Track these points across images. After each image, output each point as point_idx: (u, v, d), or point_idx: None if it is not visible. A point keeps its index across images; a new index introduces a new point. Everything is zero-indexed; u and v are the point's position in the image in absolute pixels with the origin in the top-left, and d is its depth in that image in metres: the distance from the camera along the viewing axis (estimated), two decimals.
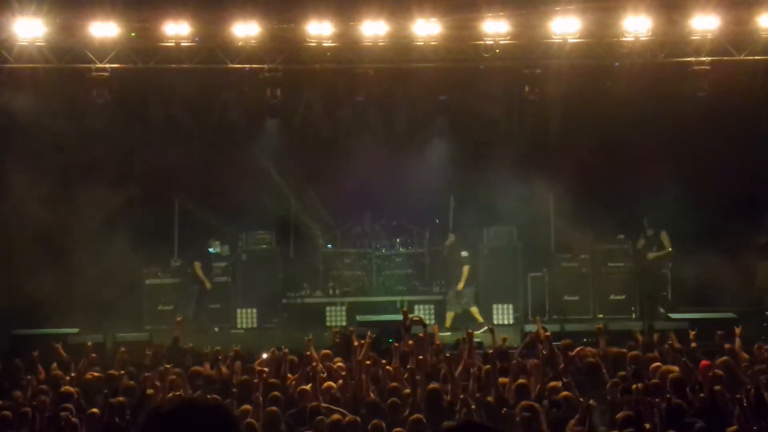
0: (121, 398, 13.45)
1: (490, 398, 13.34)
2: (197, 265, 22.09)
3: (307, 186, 23.25)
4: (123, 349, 16.38)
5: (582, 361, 15.02)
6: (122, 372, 15.14)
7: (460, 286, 21.77)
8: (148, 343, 17.89)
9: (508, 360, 15.87)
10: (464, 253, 21.98)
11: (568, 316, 21.94)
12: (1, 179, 20.99)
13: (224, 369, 15.13)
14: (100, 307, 20.46)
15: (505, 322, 22.14)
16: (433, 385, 13.40)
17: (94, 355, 15.68)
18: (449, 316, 21.71)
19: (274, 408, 12.82)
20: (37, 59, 19.81)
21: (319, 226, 23.27)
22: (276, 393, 13.45)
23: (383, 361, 14.76)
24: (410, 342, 15.59)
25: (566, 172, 22.26)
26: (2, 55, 19.83)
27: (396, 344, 15.74)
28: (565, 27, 19.90)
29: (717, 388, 12.78)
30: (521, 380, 13.80)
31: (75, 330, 19.32)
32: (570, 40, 20.11)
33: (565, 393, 13.01)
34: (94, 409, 13.03)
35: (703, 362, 14.50)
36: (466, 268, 21.81)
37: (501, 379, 13.85)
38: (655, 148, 22.11)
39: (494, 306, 22.35)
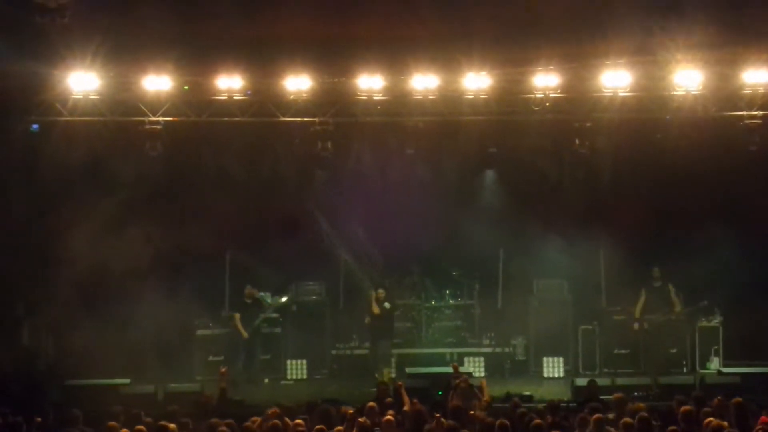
0: None
1: None
2: (236, 316, 22.16)
3: (358, 237, 23.31)
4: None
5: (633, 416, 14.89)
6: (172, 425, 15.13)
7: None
8: (199, 394, 18.00)
9: (559, 413, 15.84)
10: (386, 305, 21.95)
11: (619, 370, 21.77)
12: (56, 232, 21.16)
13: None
14: (151, 358, 20.57)
15: (556, 375, 22.02)
16: None
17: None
18: (385, 371, 21.45)
19: None
20: (91, 112, 20.10)
21: (369, 277, 23.29)
22: None
23: (437, 415, 14.67)
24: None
25: (616, 225, 22.23)
26: (57, 109, 20.13)
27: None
28: (616, 81, 19.92)
29: None
30: None
31: (127, 380, 19.44)
32: (621, 94, 20.11)
33: None
34: None
35: (763, 418, 14.32)
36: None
37: None
38: (705, 201, 22.06)
39: (545, 359, 22.23)
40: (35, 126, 20.71)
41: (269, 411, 15.44)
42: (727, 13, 18.57)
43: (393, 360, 22.19)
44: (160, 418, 15.49)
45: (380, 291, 22.18)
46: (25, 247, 21.16)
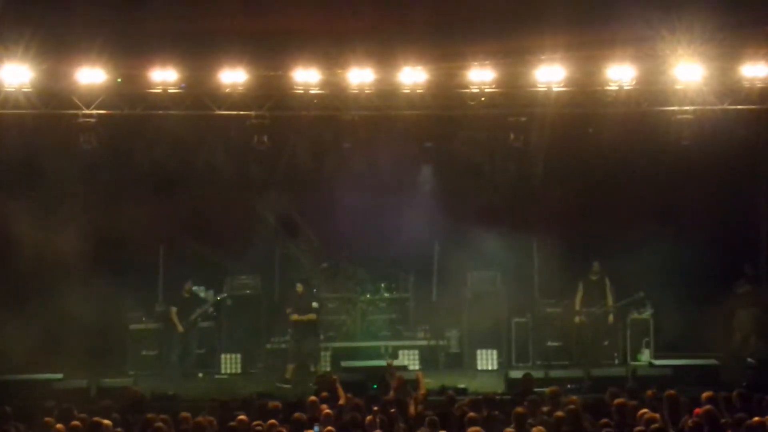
0: None
1: None
2: (173, 310, 22.04)
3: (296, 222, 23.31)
4: None
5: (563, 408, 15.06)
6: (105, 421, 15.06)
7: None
8: (126, 389, 17.98)
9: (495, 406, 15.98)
10: (315, 304, 21.81)
11: (552, 362, 21.96)
12: None
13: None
14: (84, 352, 20.41)
15: (490, 368, 22.15)
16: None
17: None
18: (290, 368, 21.36)
19: None
20: (23, 105, 19.82)
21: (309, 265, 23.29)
22: None
23: (375, 408, 14.71)
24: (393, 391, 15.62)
25: (550, 218, 22.44)
26: None
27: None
28: (550, 75, 20.02)
29: None
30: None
31: (59, 376, 19.29)
32: (555, 89, 20.23)
33: None
34: None
35: (697, 410, 14.55)
36: (311, 317, 21.67)
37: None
38: (638, 195, 22.34)
39: (478, 351, 22.33)
40: None
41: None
42: (658, 10, 18.80)
43: (321, 357, 22.05)
44: (93, 413, 15.44)
45: (299, 286, 21.93)
46: None
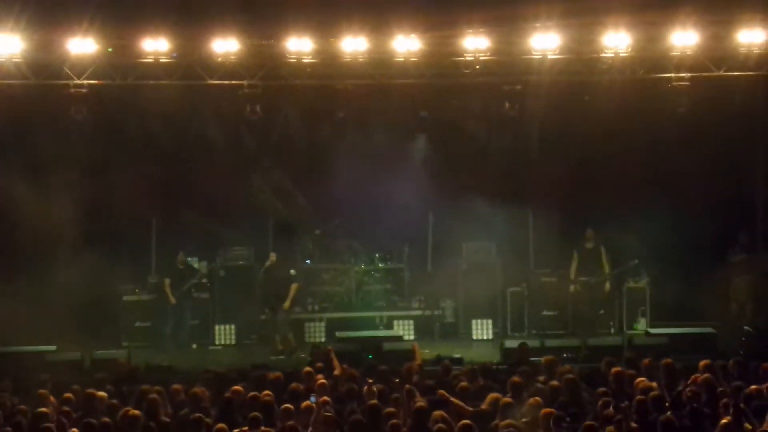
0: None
1: None
2: (166, 281, 21.95)
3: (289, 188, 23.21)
4: None
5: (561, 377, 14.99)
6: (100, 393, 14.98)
7: (287, 305, 21.32)
8: (114, 362, 17.95)
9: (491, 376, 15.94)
10: (292, 272, 21.66)
11: (547, 332, 21.90)
12: None
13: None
14: (77, 324, 20.32)
15: (485, 338, 22.11)
16: (419, 403, 13.32)
17: None
18: (277, 339, 21.28)
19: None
20: (14, 75, 19.68)
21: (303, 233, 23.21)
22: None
23: (370, 380, 14.64)
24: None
25: (545, 187, 22.35)
26: None
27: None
28: (546, 43, 19.91)
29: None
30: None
31: (52, 348, 19.21)
32: (550, 56, 20.12)
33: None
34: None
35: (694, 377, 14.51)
36: (294, 287, 21.47)
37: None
38: (634, 163, 22.21)
39: (473, 321, 22.28)
40: None
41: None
42: None
43: (305, 326, 21.98)
44: (87, 385, 15.37)
45: (272, 255, 21.75)
46: None
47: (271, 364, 19.18)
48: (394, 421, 12.74)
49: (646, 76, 20.47)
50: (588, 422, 12.44)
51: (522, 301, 22.65)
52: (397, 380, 14.68)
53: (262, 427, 12.97)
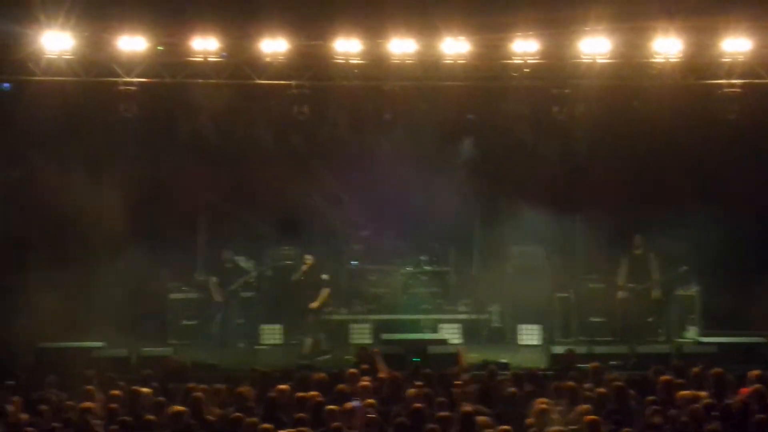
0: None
1: None
2: (213, 280, 21.99)
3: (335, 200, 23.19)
4: None
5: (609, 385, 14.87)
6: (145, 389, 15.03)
7: (315, 305, 21.15)
8: (164, 359, 17.99)
9: (537, 382, 15.82)
10: (325, 276, 21.51)
11: (595, 338, 21.74)
12: (27, 192, 20.97)
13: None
14: (125, 321, 20.43)
15: (532, 343, 21.97)
16: (466, 407, 13.26)
17: None
18: (308, 342, 21.19)
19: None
20: (64, 72, 19.83)
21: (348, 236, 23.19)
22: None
23: (418, 383, 14.60)
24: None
25: (594, 192, 22.18)
26: (29, 68, 19.85)
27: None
28: (595, 47, 19.80)
29: None
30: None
31: (100, 344, 19.30)
32: (599, 61, 20.00)
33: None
34: None
35: (743, 389, 14.35)
36: (325, 292, 21.33)
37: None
38: (684, 169, 22.03)
39: (521, 326, 22.13)
40: (6, 85, 20.46)
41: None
42: None
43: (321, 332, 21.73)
44: (133, 382, 15.45)
45: (307, 258, 21.67)
46: None
47: (317, 364, 19.18)
48: (434, 426, 12.68)
49: (697, 83, 20.29)
50: (635, 431, 12.34)
51: (569, 306, 22.48)
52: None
53: (308, 428, 12.95)
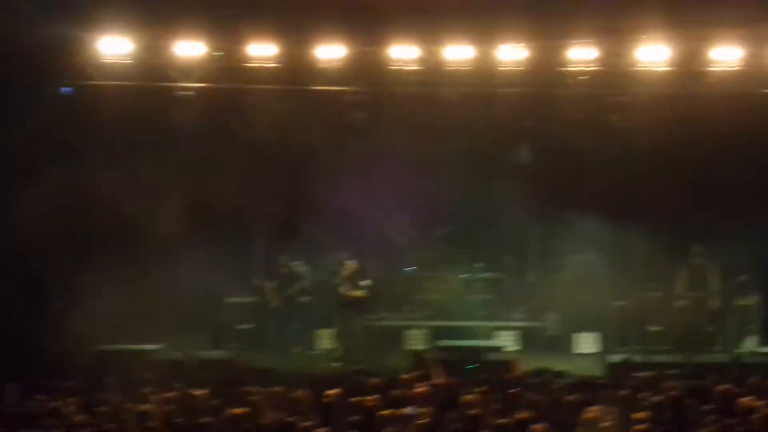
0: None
1: None
2: (269, 284, 22.07)
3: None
4: None
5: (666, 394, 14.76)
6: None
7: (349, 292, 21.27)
8: (227, 363, 18.06)
9: (591, 390, 15.70)
10: (365, 282, 21.53)
11: (652, 347, 21.57)
12: (86, 195, 21.14)
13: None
14: (181, 325, 20.54)
15: (588, 351, 21.83)
16: (521, 414, 13.20)
17: None
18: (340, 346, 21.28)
19: None
20: (122, 77, 19.99)
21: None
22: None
23: (476, 390, 14.56)
24: None
25: (652, 201, 22.03)
26: (87, 72, 20.03)
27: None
28: (652, 55, 19.70)
29: None
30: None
31: (157, 347, 19.42)
32: (657, 69, 19.89)
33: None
34: None
35: None
36: (359, 292, 21.43)
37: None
38: (744, 178, 21.81)
39: (577, 334, 22.03)
40: (68, 89, 20.65)
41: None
42: None
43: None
44: (190, 385, 15.51)
45: (349, 264, 21.73)
46: (54, 211, 21.10)
47: (372, 369, 19.16)
48: None
49: (756, 91, 20.11)
50: None
51: (627, 315, 22.31)
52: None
53: None
